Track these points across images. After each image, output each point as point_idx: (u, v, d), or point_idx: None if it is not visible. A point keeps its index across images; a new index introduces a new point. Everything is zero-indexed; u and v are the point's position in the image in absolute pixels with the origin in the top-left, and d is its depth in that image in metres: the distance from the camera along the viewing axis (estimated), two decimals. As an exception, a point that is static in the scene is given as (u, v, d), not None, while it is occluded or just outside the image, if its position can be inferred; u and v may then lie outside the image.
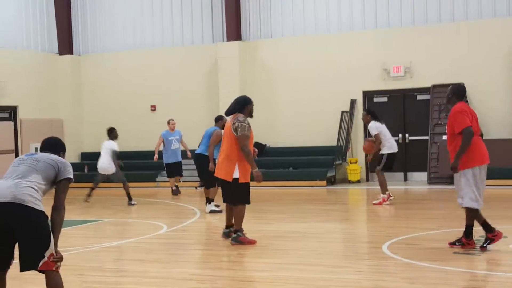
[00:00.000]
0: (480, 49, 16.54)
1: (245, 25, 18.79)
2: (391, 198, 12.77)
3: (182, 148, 16.14)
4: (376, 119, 12.69)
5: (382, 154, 12.69)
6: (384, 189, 12.65)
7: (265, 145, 18.44)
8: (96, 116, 20.06)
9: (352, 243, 9.27)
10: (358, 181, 17.20)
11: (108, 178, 14.46)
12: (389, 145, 12.74)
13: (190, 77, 19.25)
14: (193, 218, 11.75)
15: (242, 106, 8.81)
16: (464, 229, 8.08)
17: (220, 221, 11.65)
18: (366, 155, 13.10)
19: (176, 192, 16.04)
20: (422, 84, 16.99)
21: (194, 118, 19.08)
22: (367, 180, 17.59)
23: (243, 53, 18.58)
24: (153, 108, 19.73)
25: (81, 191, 18.00)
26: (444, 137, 16.32)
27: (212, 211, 12.05)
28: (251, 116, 8.91)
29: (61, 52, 20.31)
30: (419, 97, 17.30)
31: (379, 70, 17.36)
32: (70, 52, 20.45)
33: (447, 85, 16.51)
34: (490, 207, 12.26)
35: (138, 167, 18.99)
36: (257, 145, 18.39)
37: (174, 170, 16.04)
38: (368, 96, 17.66)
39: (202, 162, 12.07)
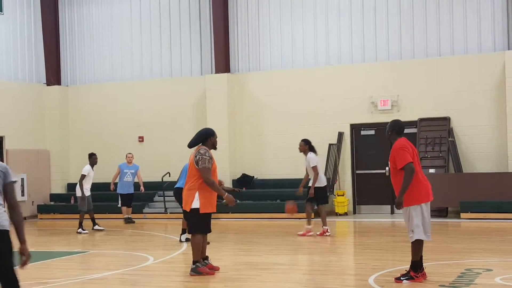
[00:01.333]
0: (466, 83, 16.73)
1: (233, 57, 18.92)
2: (327, 233, 12.98)
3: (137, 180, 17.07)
4: (313, 151, 13.04)
5: (321, 188, 12.96)
6: (325, 221, 13.00)
7: (253, 177, 18.43)
8: (83, 147, 19.99)
9: (338, 275, 9.22)
10: (345, 214, 17.19)
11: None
12: (322, 179, 13.07)
13: (178, 109, 19.29)
14: (180, 249, 11.67)
15: (205, 138, 8.96)
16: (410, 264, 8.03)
17: (208, 252, 11.57)
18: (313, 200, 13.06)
19: (128, 221, 16.70)
20: (409, 117, 17.10)
21: (181, 149, 19.00)
22: (354, 212, 17.58)
23: (232, 85, 18.68)
24: (141, 139, 19.71)
25: (67, 222, 17.89)
26: (431, 170, 16.42)
27: (187, 240, 12.15)
28: (214, 148, 9.03)
29: (48, 83, 20.30)
30: (406, 130, 17.26)
31: (366, 103, 17.49)
32: (58, 83, 20.45)
33: (434, 119, 16.82)
34: (476, 240, 12.29)
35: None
36: (245, 177, 18.40)
37: (126, 200, 16.88)
38: (355, 128, 17.76)
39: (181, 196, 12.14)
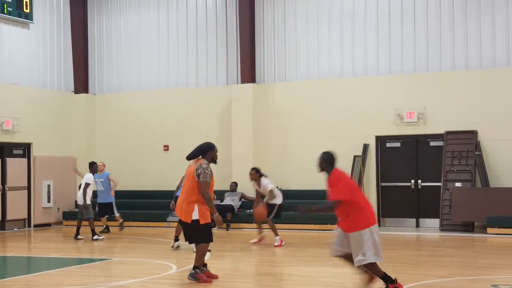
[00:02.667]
0: (494, 97, 16.55)
1: (259, 67, 18.95)
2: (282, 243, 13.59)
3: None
4: (263, 175, 13.93)
5: (274, 205, 13.74)
6: (276, 232, 13.72)
7: (277, 187, 18.36)
8: (109, 154, 20.13)
9: (361, 288, 9.14)
10: (370, 226, 17.02)
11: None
12: (279, 197, 13.91)
13: (204, 118, 19.35)
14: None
15: (205, 151, 9.34)
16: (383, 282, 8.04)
17: (231, 263, 11.57)
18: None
19: (105, 230, 16.63)
20: (435, 130, 16.97)
21: (206, 159, 19.08)
22: (379, 225, 17.41)
23: (257, 95, 18.70)
24: (166, 148, 19.80)
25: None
26: (457, 184, 16.25)
27: (178, 247, 13.03)
28: (214, 162, 9.35)
29: (76, 91, 20.52)
30: (432, 143, 17.26)
31: (392, 115, 17.38)
32: (86, 91, 20.65)
33: (461, 132, 16.66)
34: (503, 256, 12.11)
35: (149, 207, 18.96)
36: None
37: (103, 210, 16.75)
38: (380, 141, 17.65)
39: None
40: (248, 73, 18.69)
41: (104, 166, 16.96)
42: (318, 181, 17.74)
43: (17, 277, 9.88)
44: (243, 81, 18.77)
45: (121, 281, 9.48)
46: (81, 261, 11.33)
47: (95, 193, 16.52)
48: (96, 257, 11.78)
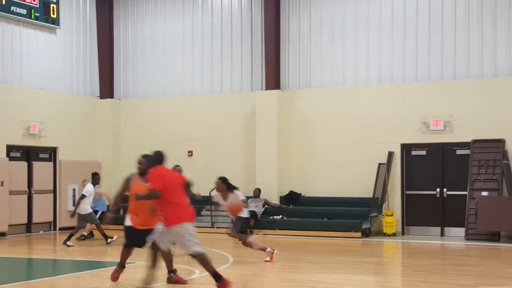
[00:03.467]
0: (521, 105, 16.36)
1: (284, 74, 18.93)
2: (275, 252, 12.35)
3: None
4: (233, 187, 12.32)
5: (244, 218, 12.30)
6: (263, 247, 12.25)
7: (300, 194, 18.34)
8: (134, 159, 20.17)
9: (386, 296, 9.07)
10: (394, 234, 16.92)
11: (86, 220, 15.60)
12: (246, 211, 12.53)
13: (228, 124, 19.38)
14: (226, 264, 11.65)
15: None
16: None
17: (253, 269, 11.53)
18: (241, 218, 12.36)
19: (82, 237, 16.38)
20: (462, 138, 16.79)
21: (230, 165, 19.13)
22: (403, 233, 17.30)
23: (281, 102, 18.68)
24: (190, 153, 19.85)
25: (117, 233, 18.08)
26: (484, 193, 16.06)
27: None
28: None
29: (102, 96, 20.68)
30: (459, 152, 17.08)
31: (418, 123, 17.24)
32: (111, 96, 20.81)
33: (488, 141, 16.47)
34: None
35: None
36: (293, 194, 18.32)
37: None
38: (406, 148, 17.51)
39: None
40: (273, 80, 18.68)
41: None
42: (342, 188, 17.76)
43: (43, 279, 9.94)
44: (268, 87, 18.76)
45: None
46: (105, 264, 11.36)
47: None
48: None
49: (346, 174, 17.86)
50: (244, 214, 12.30)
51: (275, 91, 18.61)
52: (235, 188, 12.21)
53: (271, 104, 18.59)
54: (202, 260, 8.62)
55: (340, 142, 17.96)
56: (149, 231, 8.95)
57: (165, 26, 20.43)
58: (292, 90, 18.79)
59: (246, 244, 12.20)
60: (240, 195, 12.17)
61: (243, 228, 12.25)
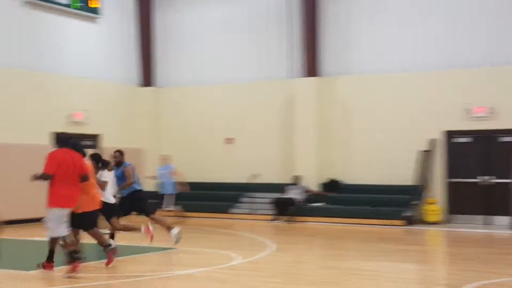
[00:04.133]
0: None
1: (322, 61, 18.75)
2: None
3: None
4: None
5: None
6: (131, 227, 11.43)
7: (340, 181, 18.19)
8: (174, 146, 20.36)
9: (427, 284, 8.95)
10: (436, 222, 16.68)
11: None
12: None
13: (266, 111, 19.33)
14: (266, 251, 11.64)
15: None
16: None
17: (294, 256, 11.50)
18: None
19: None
20: (505, 125, 16.43)
21: (269, 152, 19.11)
22: (446, 222, 17.04)
23: (320, 89, 18.54)
24: (229, 141, 19.87)
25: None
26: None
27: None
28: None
29: (142, 84, 20.82)
30: (503, 139, 16.73)
31: (460, 110, 16.92)
32: (151, 84, 20.93)
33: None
34: None
35: (212, 198, 19.10)
36: (333, 181, 18.22)
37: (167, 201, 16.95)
38: (449, 136, 17.21)
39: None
40: (311, 67, 18.54)
41: (167, 159, 17.17)
42: (383, 175, 17.58)
43: (90, 262, 10.02)
44: (306, 74, 18.63)
45: (186, 270, 9.55)
46: (148, 250, 11.45)
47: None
48: (162, 246, 11.89)
49: (387, 162, 17.66)
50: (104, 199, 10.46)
51: (314, 78, 18.47)
52: (104, 166, 10.71)
53: (310, 91, 18.47)
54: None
55: (381, 129, 17.74)
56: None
57: (204, 14, 20.43)
58: (331, 77, 18.62)
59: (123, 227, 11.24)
60: (103, 175, 10.54)
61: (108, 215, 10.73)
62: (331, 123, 18.46)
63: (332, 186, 18.14)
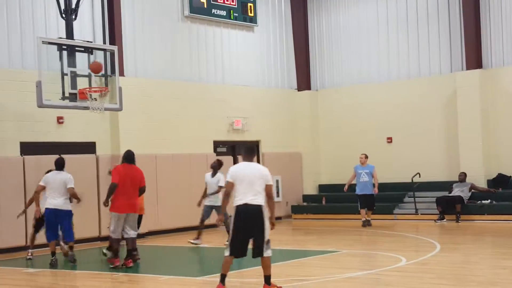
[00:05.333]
0: None
1: (486, 52, 17.98)
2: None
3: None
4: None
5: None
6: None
7: (510, 176, 17.36)
8: (333, 149, 20.44)
9: None
10: None
11: None
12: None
13: (427, 108, 18.84)
14: (433, 251, 11.38)
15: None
16: None
17: (462, 256, 11.16)
18: None
19: (365, 224, 16.52)
20: None
21: (431, 150, 18.63)
22: None
23: (484, 81, 17.78)
24: (389, 140, 19.60)
25: (319, 222, 18.50)
26: None
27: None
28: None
29: (299, 88, 21.10)
30: None
31: None
32: (308, 87, 21.15)
33: None
34: None
35: (376, 199, 18.92)
36: (501, 176, 17.42)
37: (364, 202, 16.78)
38: None
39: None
40: (474, 59, 17.83)
41: (366, 157, 17.09)
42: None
43: (254, 268, 10.36)
44: (469, 67, 17.96)
45: (352, 273, 9.58)
46: (312, 253, 11.63)
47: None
48: (326, 249, 12.02)
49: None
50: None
51: (477, 71, 17.75)
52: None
53: (473, 85, 17.77)
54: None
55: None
56: None
57: (358, 13, 20.33)
58: (495, 68, 17.81)
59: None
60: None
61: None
62: (497, 116, 17.65)
63: (500, 181, 17.33)
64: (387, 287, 8.49)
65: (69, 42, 13.74)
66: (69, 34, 14.04)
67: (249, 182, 8.07)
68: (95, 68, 13.37)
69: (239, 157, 9.44)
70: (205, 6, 18.42)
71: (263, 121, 19.76)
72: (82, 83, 13.62)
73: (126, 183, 10.84)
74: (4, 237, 13.81)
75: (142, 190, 11.15)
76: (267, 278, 8.12)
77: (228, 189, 8.23)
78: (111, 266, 10.82)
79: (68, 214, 11.57)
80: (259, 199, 8.03)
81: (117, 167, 11.12)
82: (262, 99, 19.92)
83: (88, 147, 15.58)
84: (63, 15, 14.17)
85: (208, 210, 13.70)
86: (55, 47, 13.44)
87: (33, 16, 14.94)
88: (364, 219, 16.65)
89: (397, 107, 19.38)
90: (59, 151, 13.84)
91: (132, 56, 16.77)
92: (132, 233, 11.03)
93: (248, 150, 8.50)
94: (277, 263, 10.10)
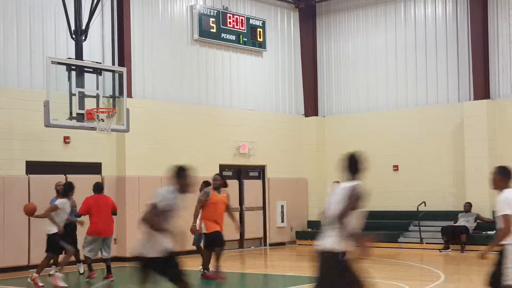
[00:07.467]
0: None
1: (493, 82, 17.99)
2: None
3: None
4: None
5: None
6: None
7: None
8: (339, 175, 20.36)
9: None
10: None
11: None
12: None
13: (434, 137, 18.81)
14: (437, 281, 11.28)
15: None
16: None
17: (469, 285, 11.05)
18: None
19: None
20: None
21: (437, 179, 18.56)
22: None
23: (492, 111, 17.76)
24: (396, 168, 19.55)
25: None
26: None
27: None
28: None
29: (307, 114, 21.12)
30: None
31: None
32: (315, 113, 21.17)
33: None
34: None
35: (380, 227, 18.80)
36: None
37: None
38: None
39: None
40: (482, 89, 17.85)
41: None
42: None
43: None
44: (476, 97, 17.96)
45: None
46: (300, 281, 11.53)
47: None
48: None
49: None
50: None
51: (485, 101, 17.75)
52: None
53: (481, 115, 17.75)
54: None
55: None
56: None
57: (367, 41, 20.41)
58: (502, 99, 17.80)
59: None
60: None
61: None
62: (504, 147, 17.58)
63: (506, 213, 17.20)
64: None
65: (78, 62, 13.83)
66: (79, 54, 14.14)
67: None
68: (29, 210, 12.09)
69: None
70: (215, 30, 18.54)
71: (269, 146, 19.76)
72: (90, 104, 13.69)
73: (101, 210, 12.20)
74: (7, 256, 13.79)
75: (115, 213, 12.60)
76: None
77: None
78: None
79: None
80: None
81: (87, 199, 12.33)
82: (269, 124, 19.94)
83: (94, 168, 15.60)
84: (73, 36, 14.28)
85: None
86: (64, 67, 13.56)
87: (43, 36, 15.08)
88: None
89: (404, 135, 19.35)
90: (65, 171, 13.86)
91: (140, 78, 16.85)
92: (108, 254, 12.38)
93: None
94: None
